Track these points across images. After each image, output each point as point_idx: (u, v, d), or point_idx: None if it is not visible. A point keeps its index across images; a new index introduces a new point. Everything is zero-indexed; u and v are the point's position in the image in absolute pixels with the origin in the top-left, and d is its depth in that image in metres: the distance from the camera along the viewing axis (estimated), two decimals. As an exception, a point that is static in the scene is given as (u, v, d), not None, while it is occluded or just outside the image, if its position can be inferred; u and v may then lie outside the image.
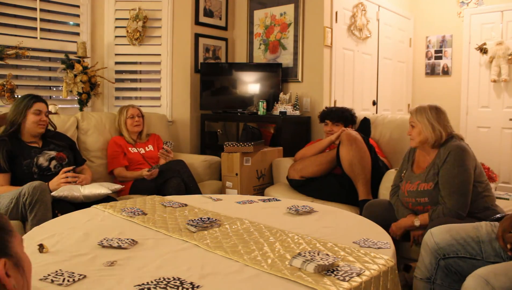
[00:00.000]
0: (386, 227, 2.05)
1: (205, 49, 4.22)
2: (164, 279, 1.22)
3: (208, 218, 1.78)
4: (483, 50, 4.85)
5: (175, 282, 1.20)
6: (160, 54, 4.02)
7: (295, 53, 4.03)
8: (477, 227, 1.64)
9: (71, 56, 3.52)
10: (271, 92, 4.01)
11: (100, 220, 1.88)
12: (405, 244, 2.21)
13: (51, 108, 3.28)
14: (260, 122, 3.86)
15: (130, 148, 3.20)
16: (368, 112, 4.27)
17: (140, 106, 3.46)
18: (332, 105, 3.95)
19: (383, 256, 1.41)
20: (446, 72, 5.28)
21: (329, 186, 2.81)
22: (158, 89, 4.09)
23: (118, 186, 2.60)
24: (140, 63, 4.23)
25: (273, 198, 2.37)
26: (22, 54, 3.31)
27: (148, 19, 3.93)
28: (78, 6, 3.77)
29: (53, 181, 2.42)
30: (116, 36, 3.96)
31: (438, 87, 5.31)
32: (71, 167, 2.51)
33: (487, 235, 1.59)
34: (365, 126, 3.13)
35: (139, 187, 2.95)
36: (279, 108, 3.76)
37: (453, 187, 1.99)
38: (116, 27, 3.95)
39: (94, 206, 2.11)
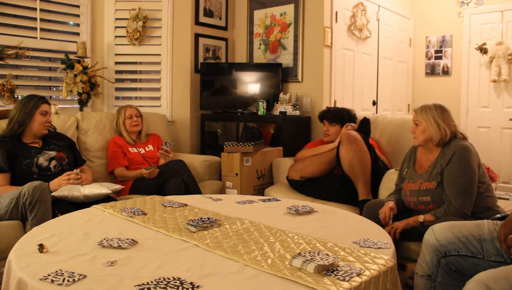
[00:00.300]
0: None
1: (205, 49, 4.22)
2: (164, 279, 1.22)
3: (208, 218, 1.78)
4: (483, 50, 4.85)
5: (175, 282, 1.20)
6: (160, 54, 4.02)
7: (295, 53, 4.03)
8: (479, 225, 1.64)
9: (71, 56, 3.52)
10: (271, 92, 4.01)
11: (100, 220, 1.88)
12: (404, 244, 2.20)
13: (51, 108, 3.27)
14: (260, 122, 3.86)
15: (130, 148, 3.20)
16: (368, 112, 4.27)
17: (140, 106, 3.46)
18: (332, 105, 3.96)
19: (383, 256, 1.41)
20: (446, 72, 5.28)
21: (329, 186, 2.81)
22: (158, 89, 4.09)
23: (118, 186, 2.60)
24: (140, 63, 4.23)
25: (273, 198, 2.37)
26: (22, 54, 3.31)
27: (148, 19, 3.93)
28: (78, 6, 3.77)
29: (54, 181, 2.42)
30: (116, 36, 3.96)
31: (438, 87, 5.31)
32: (75, 171, 2.50)
33: (489, 234, 1.59)
34: (365, 126, 3.12)
35: (139, 187, 2.95)
36: (279, 108, 3.76)
37: (459, 187, 2.00)
38: (116, 27, 3.95)
39: (94, 206, 2.11)
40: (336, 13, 4.01)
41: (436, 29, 5.32)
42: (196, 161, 3.43)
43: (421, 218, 2.06)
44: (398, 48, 5.10)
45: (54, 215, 2.21)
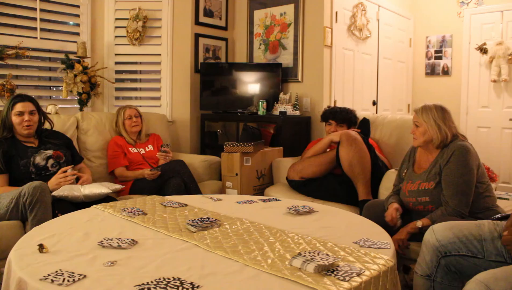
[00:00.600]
0: (386, 227, 2.05)
1: (205, 49, 4.22)
2: (164, 279, 1.22)
3: (208, 218, 1.78)
4: (483, 50, 4.85)
5: (175, 282, 1.20)
6: (160, 54, 4.02)
7: (295, 53, 4.03)
8: (480, 225, 1.64)
9: (71, 56, 3.52)
10: (271, 92, 4.01)
11: (100, 220, 1.88)
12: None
13: (51, 108, 3.28)
14: (260, 122, 3.86)
15: (130, 148, 3.20)
16: (368, 112, 4.27)
17: (140, 106, 3.46)
18: (332, 105, 3.95)
19: (383, 256, 1.42)
20: (446, 72, 5.28)
21: (329, 186, 2.80)
22: (158, 89, 4.09)
23: (118, 186, 2.60)
24: (140, 63, 4.23)
25: (273, 198, 2.37)
26: (22, 54, 3.31)
27: (148, 19, 3.93)
28: (78, 6, 3.77)
29: (51, 181, 2.41)
30: (116, 36, 3.96)
31: (438, 87, 5.31)
32: (69, 167, 2.50)
33: (489, 234, 1.59)
34: (364, 126, 3.13)
35: (139, 187, 2.95)
36: (279, 108, 3.76)
37: (457, 187, 1.99)
38: (116, 27, 3.95)
39: (94, 206, 2.11)
40: (336, 13, 4.01)
41: (436, 29, 5.32)
42: (196, 161, 3.43)
43: (419, 224, 2.04)
44: (398, 48, 5.10)
45: (54, 215, 2.20)
